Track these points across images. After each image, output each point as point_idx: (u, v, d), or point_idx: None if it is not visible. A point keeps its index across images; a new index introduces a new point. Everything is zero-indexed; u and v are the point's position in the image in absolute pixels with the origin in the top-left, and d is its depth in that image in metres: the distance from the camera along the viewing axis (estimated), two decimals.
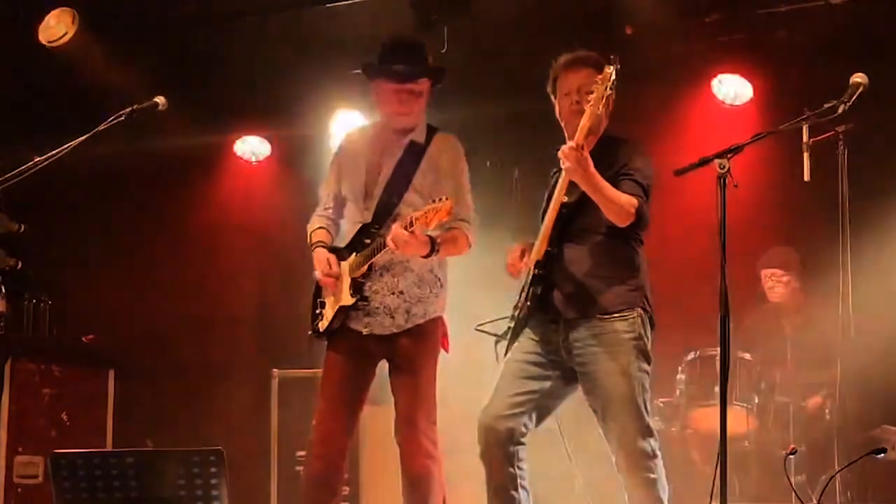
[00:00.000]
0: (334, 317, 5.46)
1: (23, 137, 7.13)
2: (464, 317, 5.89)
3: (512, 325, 4.86)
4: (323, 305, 5.56)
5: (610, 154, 4.76)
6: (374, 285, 5.40)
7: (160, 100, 4.92)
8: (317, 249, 5.51)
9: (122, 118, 4.80)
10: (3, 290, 6.97)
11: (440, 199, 4.93)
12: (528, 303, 4.77)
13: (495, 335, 4.98)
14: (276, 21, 7.78)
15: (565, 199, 4.68)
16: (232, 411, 8.62)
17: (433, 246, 5.13)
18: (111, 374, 7.21)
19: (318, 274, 5.44)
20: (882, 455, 6.11)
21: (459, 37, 7.68)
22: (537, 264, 4.74)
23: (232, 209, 8.77)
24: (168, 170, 8.51)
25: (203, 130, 8.47)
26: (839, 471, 5.98)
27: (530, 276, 4.76)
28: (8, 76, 7.66)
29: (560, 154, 4.49)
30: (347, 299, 5.38)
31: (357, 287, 5.37)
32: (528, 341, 4.84)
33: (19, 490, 6.64)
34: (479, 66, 7.81)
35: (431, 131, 5.58)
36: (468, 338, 5.40)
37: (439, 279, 5.51)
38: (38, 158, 4.68)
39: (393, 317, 5.39)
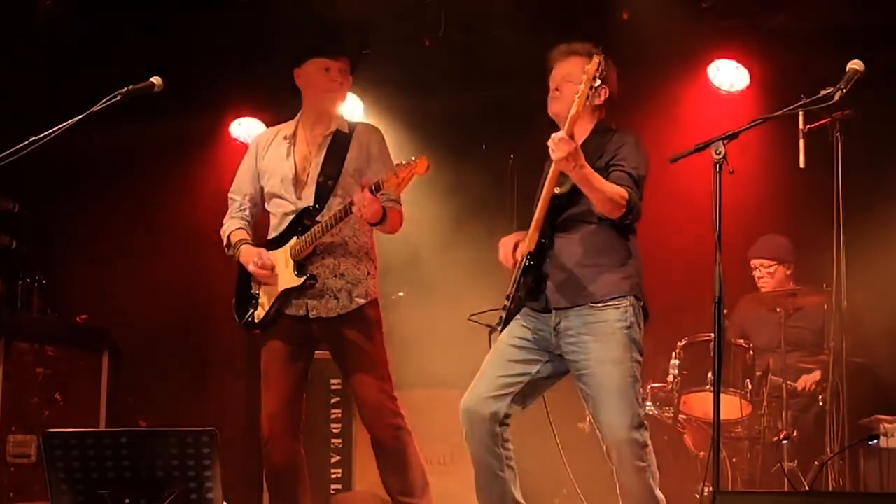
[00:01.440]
0: (274, 303, 5.51)
1: (19, 116, 7.12)
2: (457, 306, 5.91)
3: (504, 315, 4.87)
4: (256, 297, 5.60)
5: (601, 144, 4.75)
6: (317, 269, 5.47)
7: (156, 80, 4.92)
8: (242, 247, 5.59)
9: (118, 98, 4.79)
10: None
11: (411, 159, 5.04)
12: (520, 293, 4.77)
13: (488, 326, 4.99)
14: (274, 3, 7.76)
15: (557, 189, 4.67)
16: (225, 392, 8.63)
17: (384, 214, 5.27)
18: (105, 354, 7.20)
19: (251, 268, 5.50)
20: (874, 442, 6.13)
21: (456, 20, 7.68)
22: (529, 254, 4.73)
23: (227, 191, 8.75)
24: (164, 151, 8.49)
25: (199, 112, 8.46)
26: (831, 457, 6.00)
27: (522, 266, 4.76)
28: (4, 55, 7.64)
29: (549, 143, 4.47)
30: (293, 280, 5.46)
31: (301, 269, 5.43)
32: (517, 326, 4.84)
33: (12, 469, 6.65)
34: (475, 50, 7.80)
35: (353, 123, 5.74)
36: (462, 328, 5.42)
37: (373, 260, 5.63)
38: (34, 138, 4.67)
39: (337, 298, 5.49)
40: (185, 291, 8.57)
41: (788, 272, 7.29)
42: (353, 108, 7.68)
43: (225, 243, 5.71)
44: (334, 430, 7.51)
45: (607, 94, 4.82)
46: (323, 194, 5.52)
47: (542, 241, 4.73)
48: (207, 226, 8.48)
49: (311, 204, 5.51)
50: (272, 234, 5.63)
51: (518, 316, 4.84)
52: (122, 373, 7.27)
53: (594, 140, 4.77)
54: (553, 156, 4.46)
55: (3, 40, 7.60)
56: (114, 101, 4.78)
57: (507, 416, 4.76)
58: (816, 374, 6.95)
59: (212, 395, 8.63)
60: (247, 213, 5.75)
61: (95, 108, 4.77)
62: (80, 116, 4.76)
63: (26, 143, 4.67)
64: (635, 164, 4.69)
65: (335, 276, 5.49)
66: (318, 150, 5.62)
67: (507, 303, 4.83)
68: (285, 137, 5.73)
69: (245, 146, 8.61)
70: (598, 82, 4.53)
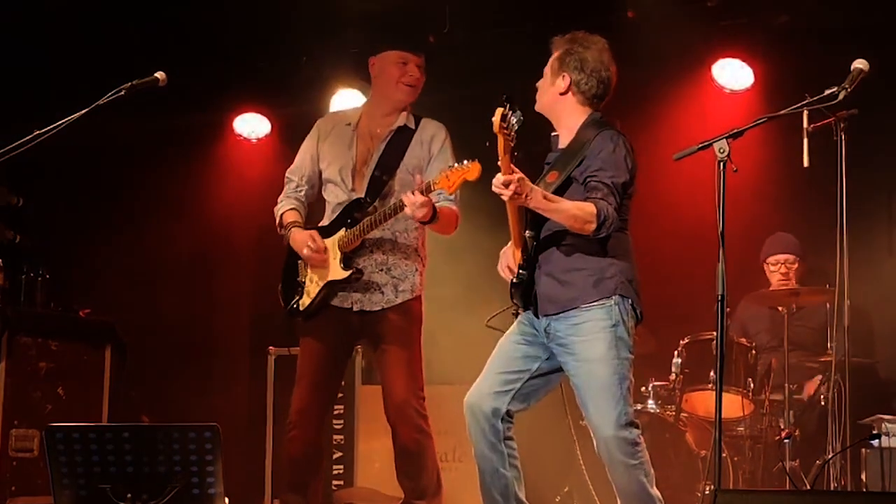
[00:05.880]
0: (319, 293, 5.50)
1: (23, 111, 7.12)
2: (463, 303, 5.92)
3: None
4: (302, 284, 5.59)
5: (584, 144, 4.73)
6: (364, 261, 5.46)
7: (160, 75, 4.93)
8: (293, 230, 5.55)
9: (122, 93, 4.80)
10: (1, 263, 6.96)
11: (464, 162, 4.99)
12: (513, 300, 4.80)
13: (503, 332, 5.00)
14: None
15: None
16: (228, 388, 8.63)
17: (434, 213, 5.21)
18: (108, 348, 7.20)
19: (305, 252, 5.48)
20: (876, 442, 6.13)
21: (460, 16, 7.67)
22: (520, 267, 4.75)
23: (231, 186, 8.77)
24: (167, 146, 8.50)
25: (203, 107, 8.46)
26: (833, 456, 5.99)
27: (514, 280, 4.77)
28: (9, 49, 7.64)
29: (494, 189, 4.43)
30: (339, 273, 5.45)
31: (348, 261, 5.42)
32: (518, 324, 4.88)
33: (14, 463, 6.65)
34: (479, 46, 7.79)
35: (418, 118, 5.71)
36: (467, 325, 5.42)
37: (422, 257, 5.60)
38: (38, 132, 4.68)
39: (382, 292, 5.49)
40: (189, 286, 8.59)
41: (802, 269, 7.31)
42: (354, 102, 7.65)
43: (277, 222, 5.69)
44: (336, 427, 7.50)
45: (569, 82, 4.81)
46: (375, 188, 5.52)
47: (528, 255, 4.74)
48: (212, 220, 8.54)
49: (363, 197, 5.50)
50: (324, 222, 5.62)
51: (520, 315, 4.87)
52: (125, 367, 7.27)
53: (581, 136, 4.75)
54: (503, 198, 4.45)
55: (6, 34, 7.60)
56: (118, 95, 4.79)
57: (508, 412, 4.77)
58: (816, 379, 6.95)
59: (215, 390, 8.63)
60: (302, 194, 5.73)
61: (99, 102, 4.78)
62: (84, 111, 4.77)
63: (30, 137, 4.68)
64: (612, 173, 4.64)
65: (381, 270, 5.51)
66: (380, 144, 5.62)
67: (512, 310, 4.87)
68: (348, 124, 5.70)
69: (248, 142, 8.70)
70: (508, 136, 4.43)
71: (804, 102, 4.59)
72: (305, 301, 5.58)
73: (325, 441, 5.66)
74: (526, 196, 4.42)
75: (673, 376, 6.78)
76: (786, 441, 6.45)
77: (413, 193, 5.11)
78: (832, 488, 5.94)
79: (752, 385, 6.72)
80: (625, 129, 4.84)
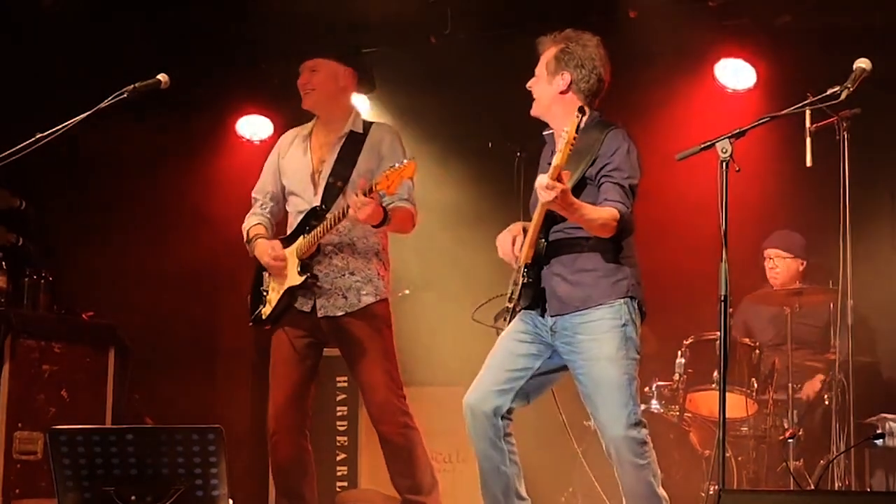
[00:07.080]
0: (280, 299, 5.55)
1: (25, 113, 7.12)
2: (462, 304, 5.91)
3: (508, 316, 4.87)
4: (265, 293, 5.64)
5: (593, 144, 4.72)
6: (325, 268, 5.50)
7: (162, 77, 4.93)
8: (258, 241, 5.63)
9: (125, 95, 4.80)
10: (4, 266, 6.96)
11: (401, 162, 5.04)
12: (520, 301, 4.78)
13: (494, 327, 4.99)
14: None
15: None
16: (231, 390, 8.63)
17: (386, 216, 5.26)
18: (111, 351, 7.19)
19: (266, 259, 5.53)
20: (880, 441, 6.13)
21: (463, 17, 7.67)
22: (526, 268, 4.73)
23: (233, 189, 8.73)
24: (169, 148, 8.49)
25: (205, 109, 8.46)
26: (837, 456, 5.99)
27: (521, 278, 4.75)
28: (8, 52, 7.64)
29: (537, 188, 4.43)
30: (296, 279, 5.53)
31: (305, 267, 5.47)
32: (519, 322, 4.86)
33: (18, 466, 6.64)
34: (482, 47, 7.79)
35: (368, 123, 5.80)
36: (466, 326, 5.42)
37: (384, 261, 5.66)
38: (41, 134, 4.68)
39: (346, 297, 5.54)
40: (192, 289, 8.58)
41: (801, 268, 7.30)
42: (358, 107, 7.66)
43: (245, 239, 5.78)
44: (340, 428, 7.51)
45: (569, 81, 4.83)
46: (331, 195, 5.58)
47: (539, 253, 4.72)
48: (215, 223, 8.52)
49: (319, 205, 5.55)
50: (287, 233, 5.68)
51: (520, 312, 4.85)
52: (129, 370, 7.26)
53: (587, 137, 4.74)
54: (541, 199, 4.44)
55: (6, 37, 7.60)
56: (120, 98, 4.80)
57: (509, 410, 4.78)
58: (816, 383, 6.94)
59: (218, 392, 8.64)
60: (267, 210, 5.84)
61: (102, 104, 4.78)
62: (87, 114, 4.77)
63: (32, 140, 4.68)
64: (628, 174, 4.67)
65: (344, 275, 5.54)
66: (332, 151, 5.68)
67: (508, 304, 4.83)
68: (303, 136, 5.81)
69: (251, 144, 8.70)
70: (575, 137, 4.43)
71: (807, 102, 4.59)
72: (267, 310, 5.67)
73: (316, 443, 5.66)
74: (564, 205, 4.39)
75: (676, 376, 6.78)
76: (790, 441, 6.45)
77: (357, 195, 5.15)
78: (836, 488, 5.94)
79: (755, 385, 6.72)
80: (626, 128, 4.84)
